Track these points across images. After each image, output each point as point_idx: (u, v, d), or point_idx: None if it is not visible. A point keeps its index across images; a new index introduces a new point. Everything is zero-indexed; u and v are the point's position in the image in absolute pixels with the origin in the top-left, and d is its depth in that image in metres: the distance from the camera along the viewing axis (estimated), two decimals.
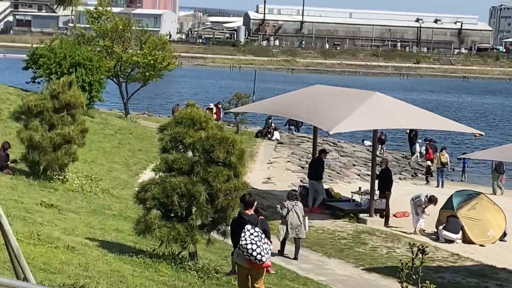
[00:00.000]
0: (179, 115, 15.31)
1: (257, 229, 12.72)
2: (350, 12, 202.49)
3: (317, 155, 28.40)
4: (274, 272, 16.13)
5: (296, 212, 19.98)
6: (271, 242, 13.02)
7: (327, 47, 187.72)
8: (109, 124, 39.72)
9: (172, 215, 15.02)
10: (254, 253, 12.46)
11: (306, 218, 20.55)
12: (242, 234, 12.57)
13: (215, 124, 15.49)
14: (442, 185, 36.71)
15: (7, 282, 6.06)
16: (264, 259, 12.56)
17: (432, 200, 24.22)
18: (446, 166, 37.83)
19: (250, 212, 13.18)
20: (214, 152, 14.49)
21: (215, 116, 42.04)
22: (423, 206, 24.26)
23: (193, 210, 14.83)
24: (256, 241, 12.50)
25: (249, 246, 12.46)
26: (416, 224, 24.34)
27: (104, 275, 12.21)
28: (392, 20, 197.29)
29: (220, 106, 48.52)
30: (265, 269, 12.92)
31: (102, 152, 31.89)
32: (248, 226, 12.69)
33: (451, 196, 24.68)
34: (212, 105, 46.68)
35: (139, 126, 43.53)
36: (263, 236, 12.73)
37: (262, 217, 13.61)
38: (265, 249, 12.61)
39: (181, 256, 15.05)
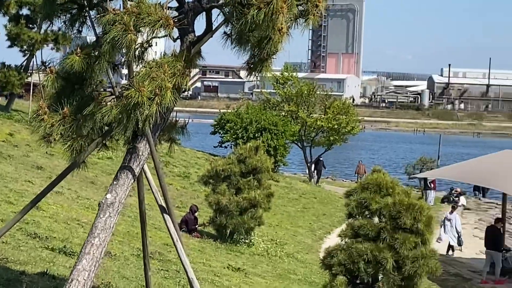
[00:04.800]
0: (366, 181, 15.25)
1: None
2: None
3: (493, 223, 27.58)
4: None
5: None
6: None
7: None
8: (294, 188, 40.08)
9: (358, 281, 14.86)
10: None
11: None
12: None
13: (401, 190, 15.31)
14: None
15: None
16: None
17: None
18: None
19: None
20: (401, 218, 14.28)
21: None
22: None
23: (379, 277, 14.63)
24: None
25: None
26: None
27: None
28: None
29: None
30: None
31: (286, 216, 32.15)
32: None
33: None
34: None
35: (323, 191, 43.65)
36: None
37: None
38: None
39: None
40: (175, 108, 9.72)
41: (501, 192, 29.06)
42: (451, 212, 30.95)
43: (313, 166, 50.53)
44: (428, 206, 15.03)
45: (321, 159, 50.27)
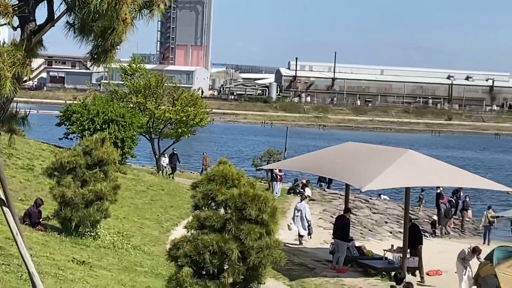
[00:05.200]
0: (212, 173, 15.31)
1: None
2: (382, 69, 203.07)
3: (341, 213, 28.35)
4: None
5: None
6: None
7: (359, 103, 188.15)
8: (141, 180, 39.85)
9: (204, 272, 14.92)
10: None
11: None
12: None
13: (247, 181, 15.46)
14: (489, 242, 36.71)
15: None
16: None
17: (475, 250, 23.85)
18: (493, 224, 38.24)
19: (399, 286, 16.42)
20: (246, 209, 14.43)
21: None
22: (467, 259, 23.93)
23: (225, 267, 14.73)
24: None
25: None
26: (461, 283, 23.98)
27: None
28: (423, 77, 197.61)
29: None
30: None
31: (134, 208, 31.93)
32: None
33: (493, 250, 24.33)
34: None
35: (171, 182, 43.60)
36: None
37: None
38: None
39: None
40: (17, 99, 9.48)
41: (344, 183, 29.80)
42: (300, 202, 31.72)
43: (164, 159, 50.32)
44: (273, 197, 15.26)
45: (175, 152, 50.12)
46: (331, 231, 31.85)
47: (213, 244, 14.38)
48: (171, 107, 49.88)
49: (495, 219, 38.33)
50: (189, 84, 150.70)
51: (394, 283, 17.35)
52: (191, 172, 55.26)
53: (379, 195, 46.95)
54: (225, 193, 14.84)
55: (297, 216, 30.92)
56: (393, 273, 22.93)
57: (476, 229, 42.51)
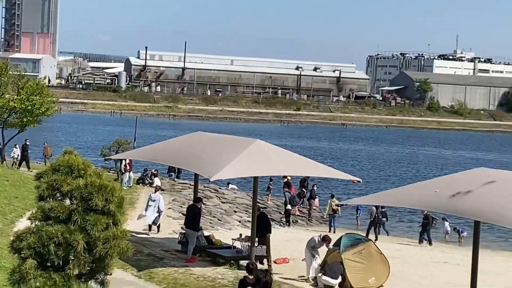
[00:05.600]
0: (57, 163, 14.98)
1: None
2: (232, 59, 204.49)
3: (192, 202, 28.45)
4: None
5: None
6: None
7: (209, 93, 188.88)
8: None
9: (49, 264, 14.60)
10: None
11: None
12: None
13: (94, 171, 15.22)
14: (334, 230, 37.56)
15: None
16: None
17: (325, 239, 24.31)
18: (337, 212, 39.11)
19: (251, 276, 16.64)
20: (93, 200, 14.21)
21: None
22: (316, 246, 24.37)
23: (70, 259, 14.46)
24: None
25: None
26: (309, 271, 24.39)
27: None
28: (272, 68, 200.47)
29: None
30: None
31: None
32: None
33: (341, 237, 24.82)
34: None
35: (16, 173, 42.48)
36: None
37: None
38: None
39: None
40: None
41: (193, 173, 29.81)
42: (155, 192, 31.74)
43: (16, 150, 48.92)
44: (121, 187, 15.12)
45: (28, 143, 48.70)
46: (181, 221, 31.89)
47: (58, 236, 14.09)
48: (15, 96, 48.60)
49: (338, 208, 39.27)
50: (36, 73, 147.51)
51: (246, 274, 17.51)
52: (37, 163, 54.02)
53: (228, 184, 47.26)
54: (70, 183, 14.57)
55: (150, 206, 30.89)
56: (245, 264, 23.21)
57: (323, 217, 43.45)
